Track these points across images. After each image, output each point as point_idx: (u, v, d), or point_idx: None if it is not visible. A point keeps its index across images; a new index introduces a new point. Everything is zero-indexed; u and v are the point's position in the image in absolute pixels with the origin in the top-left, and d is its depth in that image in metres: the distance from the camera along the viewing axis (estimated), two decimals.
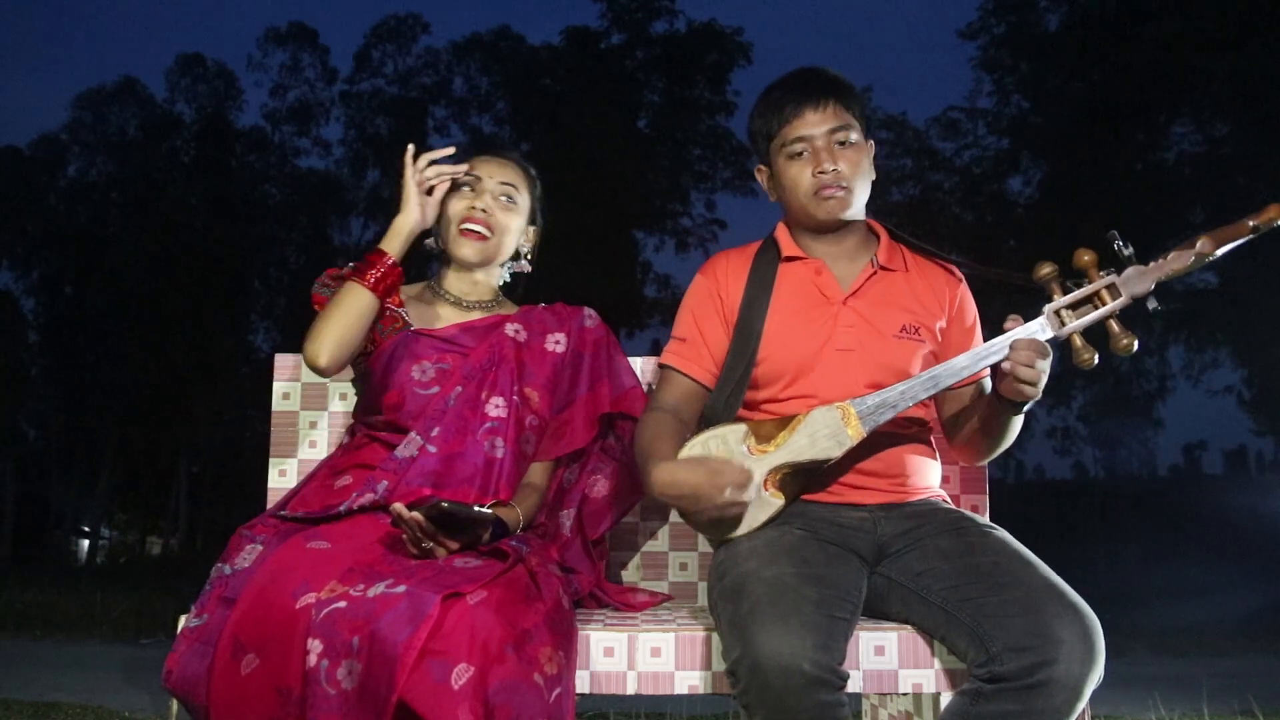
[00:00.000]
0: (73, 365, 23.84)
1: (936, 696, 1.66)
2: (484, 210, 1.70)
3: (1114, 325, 1.40)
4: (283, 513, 1.55)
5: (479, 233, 1.70)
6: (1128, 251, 1.40)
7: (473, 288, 1.76)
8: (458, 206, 1.71)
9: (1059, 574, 1.34)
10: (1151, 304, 1.40)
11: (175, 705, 1.38)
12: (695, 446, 1.47)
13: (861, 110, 1.62)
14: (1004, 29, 18.73)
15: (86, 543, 27.50)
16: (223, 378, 22.40)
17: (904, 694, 1.79)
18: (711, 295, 1.66)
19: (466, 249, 1.70)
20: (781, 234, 1.67)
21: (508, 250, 1.76)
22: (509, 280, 1.84)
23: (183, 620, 1.39)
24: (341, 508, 1.48)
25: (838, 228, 1.62)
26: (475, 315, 1.73)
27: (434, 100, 25.08)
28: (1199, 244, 1.38)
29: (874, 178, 1.66)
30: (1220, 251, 1.39)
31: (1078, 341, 1.39)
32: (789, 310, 1.60)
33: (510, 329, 1.70)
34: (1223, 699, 3.76)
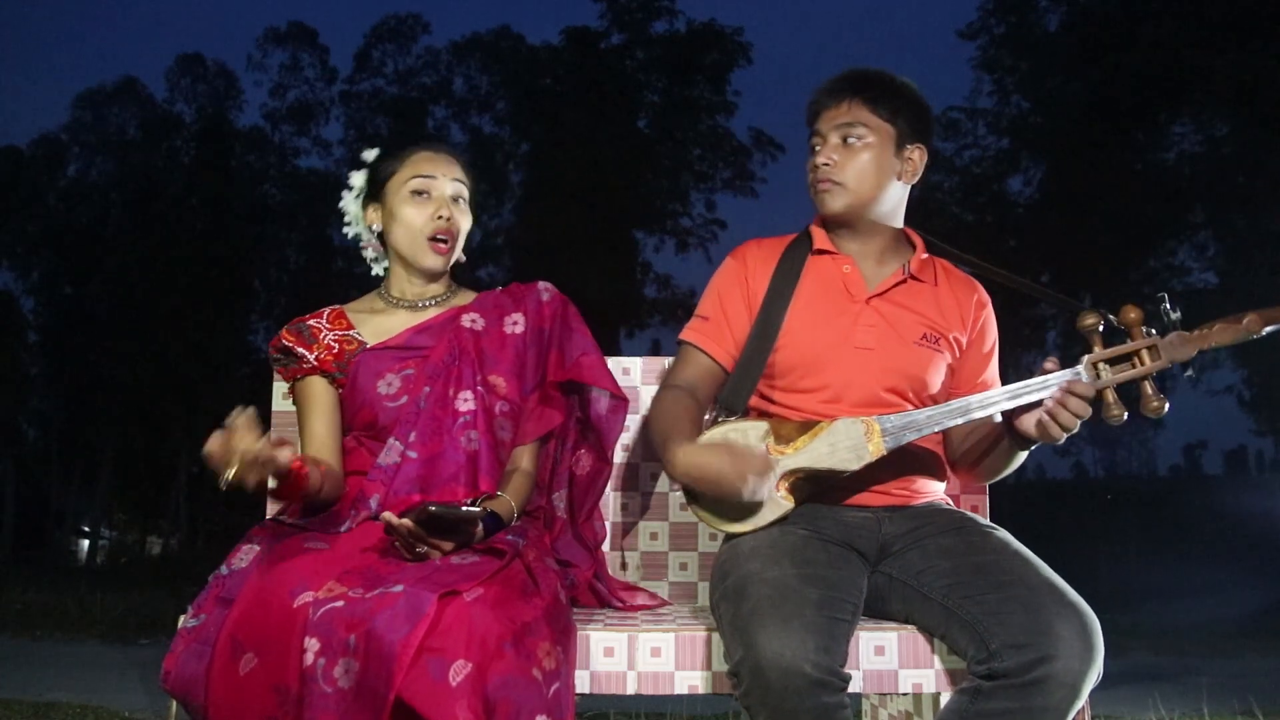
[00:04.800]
0: (73, 365, 23.82)
1: (936, 696, 1.66)
2: (448, 220, 1.65)
3: (1148, 387, 1.39)
4: (282, 518, 1.55)
5: (445, 242, 1.66)
6: (1175, 315, 1.39)
7: (425, 287, 1.71)
8: (419, 216, 1.65)
9: (1059, 574, 1.34)
10: (1188, 372, 1.40)
11: (174, 705, 1.38)
12: (715, 437, 1.47)
13: (897, 113, 1.59)
14: (1004, 29, 18.75)
15: (86, 543, 27.49)
16: (223, 378, 22.39)
17: (904, 694, 1.79)
18: (739, 278, 1.65)
19: (434, 261, 1.66)
20: (816, 228, 1.67)
21: (461, 248, 1.72)
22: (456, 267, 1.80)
23: (181, 621, 1.39)
24: (342, 528, 1.48)
25: (843, 223, 1.62)
26: (429, 313, 1.69)
27: (434, 100, 25.08)
28: (1246, 321, 1.37)
29: (898, 181, 1.61)
30: (1267, 330, 1.37)
31: (1109, 397, 1.39)
32: (812, 302, 1.59)
33: (467, 319, 1.67)
34: (1223, 699, 3.76)
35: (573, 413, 1.72)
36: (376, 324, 1.68)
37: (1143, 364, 1.39)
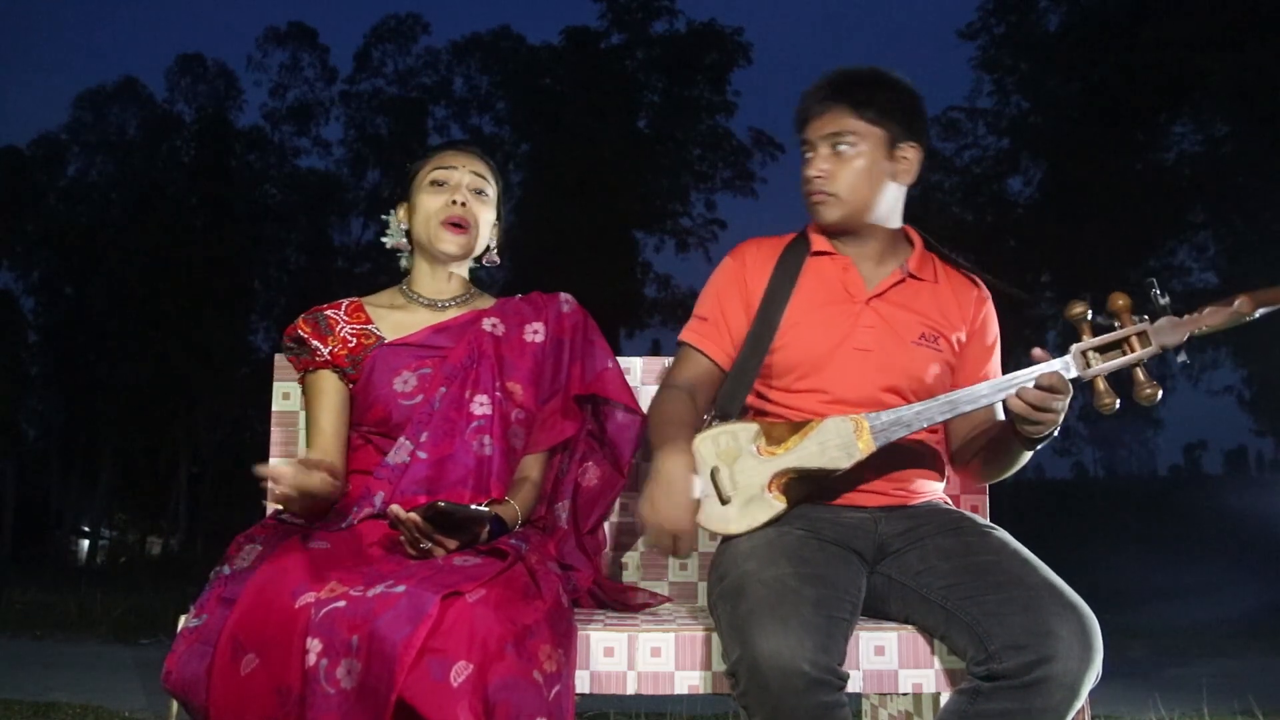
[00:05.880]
0: (73, 365, 23.84)
1: (936, 696, 1.66)
2: (463, 204, 1.67)
3: (1139, 373, 1.38)
4: (283, 515, 1.55)
5: (461, 226, 1.67)
6: (1164, 301, 1.37)
7: (445, 285, 1.73)
8: (435, 202, 1.68)
9: (1058, 574, 1.34)
10: (1181, 357, 1.38)
11: (175, 705, 1.38)
12: (705, 441, 1.47)
13: (885, 115, 1.56)
14: (1004, 29, 18.77)
15: (86, 543, 27.49)
16: (223, 378, 22.39)
17: (904, 694, 1.79)
18: (737, 279, 1.65)
19: (450, 244, 1.67)
20: (813, 232, 1.66)
21: (483, 243, 1.73)
22: (476, 271, 1.82)
23: (182, 620, 1.39)
24: (344, 525, 1.48)
25: (840, 231, 1.61)
26: (450, 314, 1.70)
27: (434, 100, 25.11)
28: (1237, 303, 1.35)
29: (893, 183, 1.59)
30: (1260, 312, 1.36)
31: (1100, 385, 1.37)
32: (811, 303, 1.59)
33: (487, 324, 1.67)
34: (1223, 699, 3.75)
35: (584, 425, 1.73)
36: (396, 320, 1.68)
37: (1133, 350, 1.38)
